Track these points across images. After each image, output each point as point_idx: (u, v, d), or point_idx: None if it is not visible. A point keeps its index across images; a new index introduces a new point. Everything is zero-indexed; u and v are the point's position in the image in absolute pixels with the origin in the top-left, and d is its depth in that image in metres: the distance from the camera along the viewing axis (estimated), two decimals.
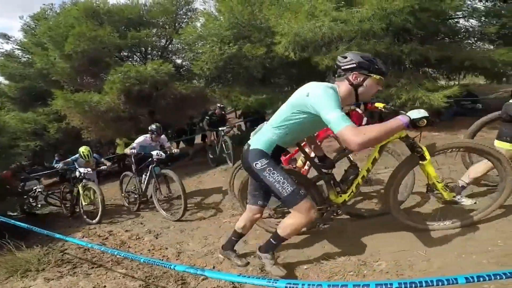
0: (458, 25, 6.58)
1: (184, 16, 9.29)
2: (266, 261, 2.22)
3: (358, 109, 7.79)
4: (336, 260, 2.27)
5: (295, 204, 1.96)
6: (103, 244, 3.66)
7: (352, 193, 2.40)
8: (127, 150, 4.79)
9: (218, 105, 7.18)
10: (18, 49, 11.37)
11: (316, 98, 1.75)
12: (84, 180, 4.88)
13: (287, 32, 5.96)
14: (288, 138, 2.04)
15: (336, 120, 1.63)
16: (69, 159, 5.32)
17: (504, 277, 1.09)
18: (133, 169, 4.92)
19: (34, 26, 11.09)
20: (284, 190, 1.94)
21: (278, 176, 1.96)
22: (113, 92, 6.95)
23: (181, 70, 9.32)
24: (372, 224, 2.70)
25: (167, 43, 9.42)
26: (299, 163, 3.52)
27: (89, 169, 4.95)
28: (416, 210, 2.90)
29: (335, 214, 2.53)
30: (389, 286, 1.14)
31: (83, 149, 5.19)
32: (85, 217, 4.73)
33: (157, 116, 8.11)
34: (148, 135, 4.91)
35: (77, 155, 5.23)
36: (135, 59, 9.51)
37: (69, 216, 5.37)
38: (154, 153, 4.41)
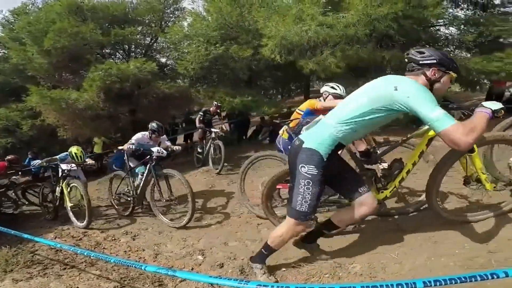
0: (439, 33, 6.84)
1: (171, 15, 9.23)
2: (257, 271, 2.16)
3: None
4: (313, 263, 2.28)
5: (295, 219, 1.91)
6: (77, 245, 3.52)
7: (394, 189, 2.27)
8: (125, 146, 4.33)
9: (215, 103, 6.84)
10: None
11: (411, 94, 1.61)
12: (67, 178, 4.34)
13: (274, 35, 5.99)
14: (354, 135, 1.89)
15: (441, 119, 1.51)
16: (55, 157, 4.79)
17: (458, 281, 1.12)
18: (127, 168, 4.46)
19: (13, 20, 10.86)
20: (300, 206, 1.87)
21: (309, 193, 1.85)
22: (92, 90, 6.74)
23: (165, 69, 9.23)
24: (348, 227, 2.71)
25: (152, 41, 9.32)
26: None
27: (73, 165, 4.41)
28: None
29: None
30: None
31: (75, 150, 4.55)
32: (74, 219, 4.19)
33: (138, 115, 7.94)
34: (146, 133, 4.52)
35: (64, 154, 4.72)
36: (117, 56, 9.35)
37: (52, 219, 4.75)
38: (154, 149, 3.93)
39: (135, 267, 2.07)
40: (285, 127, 3.51)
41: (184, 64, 7.47)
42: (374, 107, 1.71)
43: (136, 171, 4.40)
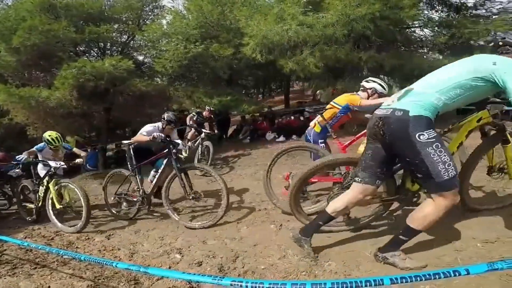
0: (414, 34, 7.10)
1: (150, 13, 9.00)
2: (396, 260, 1.92)
3: (319, 114, 8.08)
4: (291, 260, 2.30)
5: (449, 189, 1.72)
6: (48, 245, 3.40)
7: None
8: (141, 138, 3.90)
9: (208, 107, 6.75)
10: None
11: (508, 70, 1.63)
12: (54, 176, 4.01)
13: (256, 34, 6.03)
14: (450, 107, 1.82)
15: None
16: (33, 149, 4.39)
17: (423, 278, 1.16)
18: (131, 165, 4.03)
19: None
20: (447, 173, 1.68)
21: (444, 155, 1.69)
22: (64, 88, 6.48)
23: (142, 67, 8.99)
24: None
25: (129, 39, 9.04)
26: (361, 149, 3.02)
27: (62, 163, 4.06)
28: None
29: (408, 203, 2.31)
30: (323, 286, 1.17)
31: (48, 134, 4.22)
32: (57, 222, 3.89)
33: (114, 113, 7.70)
34: (158, 124, 4.09)
35: (41, 144, 4.34)
36: (92, 54, 9.01)
37: (33, 221, 4.35)
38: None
39: (106, 264, 2.01)
40: (317, 119, 3.40)
41: (162, 62, 7.37)
42: (475, 76, 1.71)
43: (158, 165, 4.01)
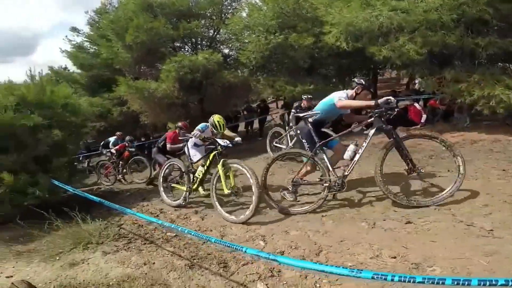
0: None
1: (229, 7, 9.44)
2: None
3: (416, 104, 7.37)
4: (385, 261, 2.20)
5: None
6: None
7: None
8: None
9: (306, 96, 6.34)
10: (86, 41, 12.64)
11: None
12: (221, 158, 3.63)
13: (338, 22, 5.78)
14: None
15: None
16: (198, 128, 4.42)
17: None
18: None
19: (98, 19, 12.14)
20: None
21: None
22: (168, 80, 7.46)
23: (228, 59, 9.56)
24: (429, 225, 2.59)
25: (215, 33, 9.68)
26: None
27: (228, 142, 3.73)
28: None
29: None
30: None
31: (217, 118, 4.16)
32: (220, 209, 3.55)
33: (206, 104, 8.49)
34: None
35: (204, 125, 4.44)
36: (186, 49, 9.96)
37: (178, 206, 4.25)
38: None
39: (236, 249, 1.99)
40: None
41: (246, 54, 7.71)
42: None
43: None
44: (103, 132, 10.04)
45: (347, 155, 3.25)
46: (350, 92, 3.45)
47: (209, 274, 2.43)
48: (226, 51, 9.94)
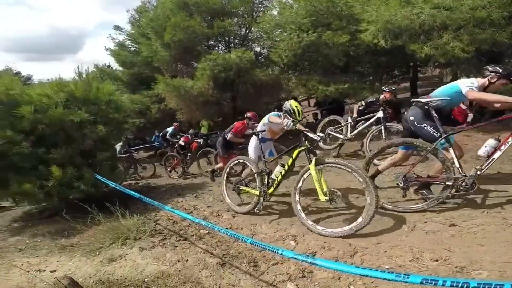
0: None
1: (260, 5, 9.43)
2: None
3: (462, 105, 6.91)
4: (427, 264, 2.12)
5: None
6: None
7: None
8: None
9: (389, 88, 5.55)
10: (128, 39, 13.23)
11: None
12: (312, 155, 2.96)
13: (376, 19, 5.61)
14: None
15: None
16: (274, 119, 3.63)
17: None
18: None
19: (138, 18, 12.59)
20: None
21: None
22: (204, 78, 7.67)
23: (259, 57, 9.59)
24: (476, 228, 2.46)
25: (247, 31, 9.75)
26: None
27: (321, 134, 3.23)
28: None
29: None
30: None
31: (294, 103, 3.40)
32: (308, 222, 2.92)
33: (238, 101, 8.60)
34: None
35: (275, 114, 3.73)
36: (220, 47, 10.15)
37: (247, 212, 3.70)
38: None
39: (271, 251, 1.90)
40: None
41: (278, 52, 7.67)
42: None
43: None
44: (142, 129, 10.58)
45: (483, 150, 2.85)
46: (482, 80, 2.97)
47: (239, 273, 2.44)
48: (257, 49, 9.99)
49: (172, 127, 8.50)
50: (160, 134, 9.20)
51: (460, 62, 5.29)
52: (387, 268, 2.15)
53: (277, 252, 1.87)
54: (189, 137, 7.41)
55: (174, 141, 7.82)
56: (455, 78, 11.63)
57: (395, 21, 5.28)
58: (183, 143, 7.37)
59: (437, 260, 2.11)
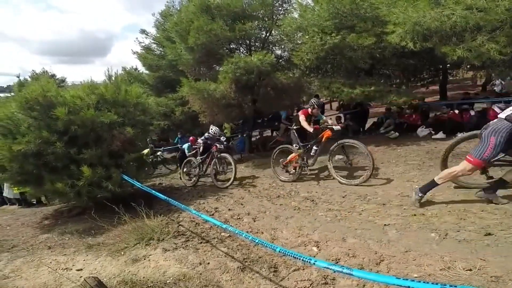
0: None
1: (280, 8, 9.32)
2: None
3: (496, 107, 6.57)
4: (459, 273, 2.05)
5: None
6: None
7: None
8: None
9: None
10: (153, 43, 13.50)
11: None
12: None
13: (403, 21, 5.43)
14: None
15: None
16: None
17: None
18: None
19: (163, 22, 12.76)
20: None
21: None
22: (226, 81, 7.73)
23: (280, 60, 9.53)
24: None
25: (267, 34, 9.69)
26: None
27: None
28: None
29: None
30: None
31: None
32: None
33: (258, 104, 8.60)
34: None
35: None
36: (241, 51, 10.14)
37: None
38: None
39: (303, 260, 1.85)
40: None
41: (300, 54, 7.58)
42: None
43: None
44: (166, 131, 10.81)
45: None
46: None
47: (259, 278, 2.43)
48: (278, 52, 9.94)
49: (188, 144, 8.58)
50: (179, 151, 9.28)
51: (495, 65, 5.00)
52: (416, 277, 2.09)
53: (309, 262, 1.79)
54: (196, 138, 7.74)
55: (192, 152, 7.78)
56: (489, 81, 11.04)
57: (424, 22, 5.09)
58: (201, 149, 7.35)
59: (470, 270, 2.04)
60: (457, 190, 3.63)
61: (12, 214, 6.52)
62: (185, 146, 8.58)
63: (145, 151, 7.68)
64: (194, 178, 6.64)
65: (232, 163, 5.81)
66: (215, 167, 6.18)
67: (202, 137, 6.91)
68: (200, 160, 6.73)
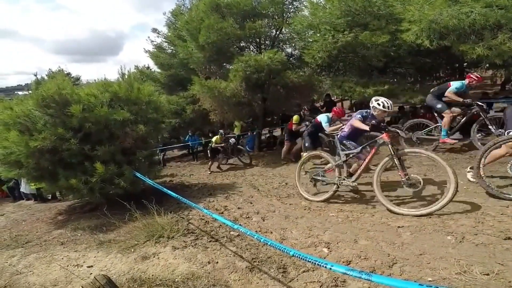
0: None
1: (290, 6, 9.24)
2: None
3: None
4: (476, 277, 1.99)
5: None
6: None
7: None
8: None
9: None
10: (165, 41, 13.58)
11: None
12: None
13: (419, 19, 5.29)
14: None
15: None
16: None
17: None
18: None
19: (174, 21, 12.78)
20: None
21: None
22: (236, 80, 7.72)
23: (290, 58, 9.44)
24: None
25: (277, 32, 9.62)
26: None
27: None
28: None
29: None
30: None
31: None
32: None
33: (269, 102, 8.56)
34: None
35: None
36: (251, 49, 10.07)
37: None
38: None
39: (317, 264, 1.75)
40: None
41: (311, 53, 7.49)
42: None
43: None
44: (177, 129, 10.90)
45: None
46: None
47: (268, 278, 2.40)
48: (288, 50, 9.84)
49: (326, 116, 8.20)
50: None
51: None
52: (430, 281, 2.04)
53: (326, 267, 1.68)
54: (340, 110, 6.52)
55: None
56: (509, 80, 10.65)
57: (440, 20, 4.96)
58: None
59: (488, 274, 1.98)
60: (475, 194, 3.52)
61: (28, 209, 6.70)
62: (322, 118, 6.04)
63: (214, 138, 7.96)
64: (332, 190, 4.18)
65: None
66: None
67: (358, 113, 4.32)
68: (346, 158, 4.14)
